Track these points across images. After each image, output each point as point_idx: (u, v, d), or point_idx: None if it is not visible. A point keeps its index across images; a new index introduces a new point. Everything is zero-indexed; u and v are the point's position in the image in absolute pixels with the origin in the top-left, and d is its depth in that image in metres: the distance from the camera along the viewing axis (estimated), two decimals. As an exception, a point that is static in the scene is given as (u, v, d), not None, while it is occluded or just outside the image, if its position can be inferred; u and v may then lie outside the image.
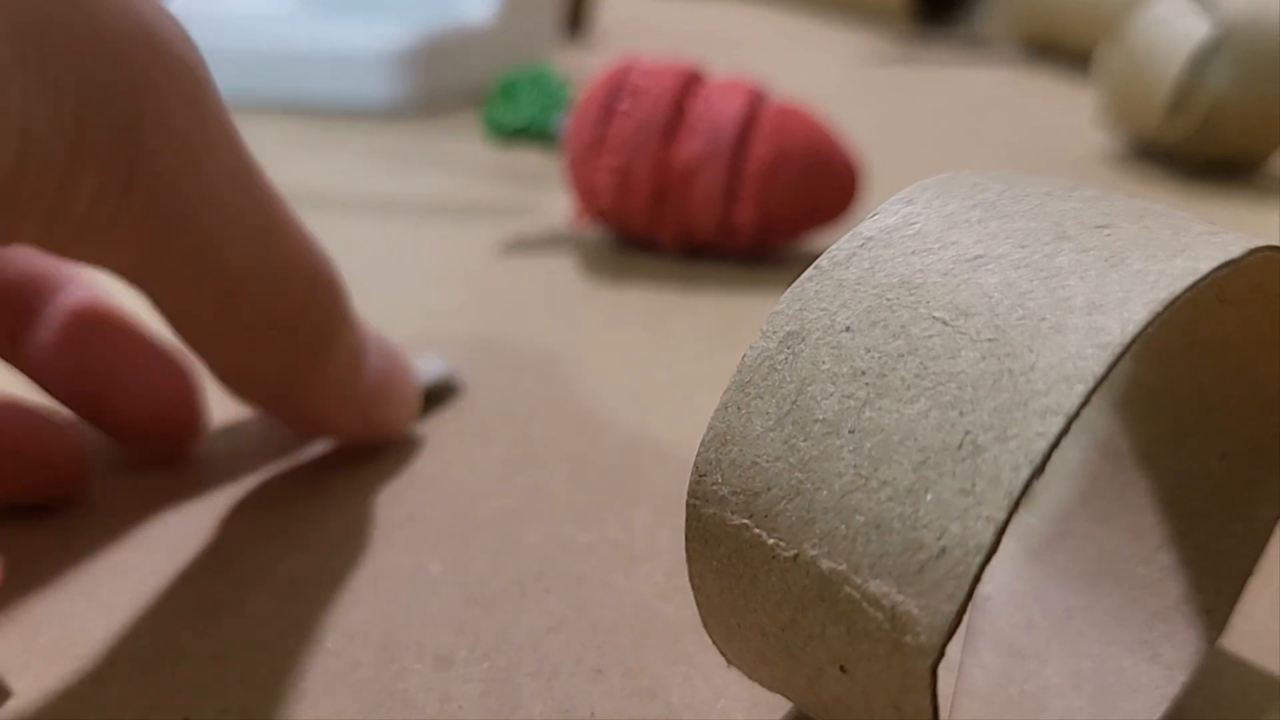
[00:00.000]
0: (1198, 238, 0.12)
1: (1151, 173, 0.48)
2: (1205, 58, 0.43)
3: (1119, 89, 0.48)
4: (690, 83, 0.35)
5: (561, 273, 0.35)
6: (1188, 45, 0.44)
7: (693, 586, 0.14)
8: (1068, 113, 0.60)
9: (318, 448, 0.24)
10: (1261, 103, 0.44)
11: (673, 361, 0.28)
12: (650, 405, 0.26)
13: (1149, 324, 0.11)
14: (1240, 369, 0.17)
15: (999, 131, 0.56)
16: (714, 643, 0.15)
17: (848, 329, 0.13)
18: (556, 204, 0.42)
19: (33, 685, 0.17)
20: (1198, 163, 0.48)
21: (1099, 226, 0.13)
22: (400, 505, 0.22)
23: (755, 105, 0.34)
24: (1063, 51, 0.77)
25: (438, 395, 0.26)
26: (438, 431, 0.25)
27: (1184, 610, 0.17)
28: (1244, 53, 0.43)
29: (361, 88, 0.57)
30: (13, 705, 0.16)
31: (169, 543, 0.20)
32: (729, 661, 0.15)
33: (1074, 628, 0.17)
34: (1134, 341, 0.11)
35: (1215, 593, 0.17)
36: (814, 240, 0.38)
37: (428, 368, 0.25)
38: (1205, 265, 0.12)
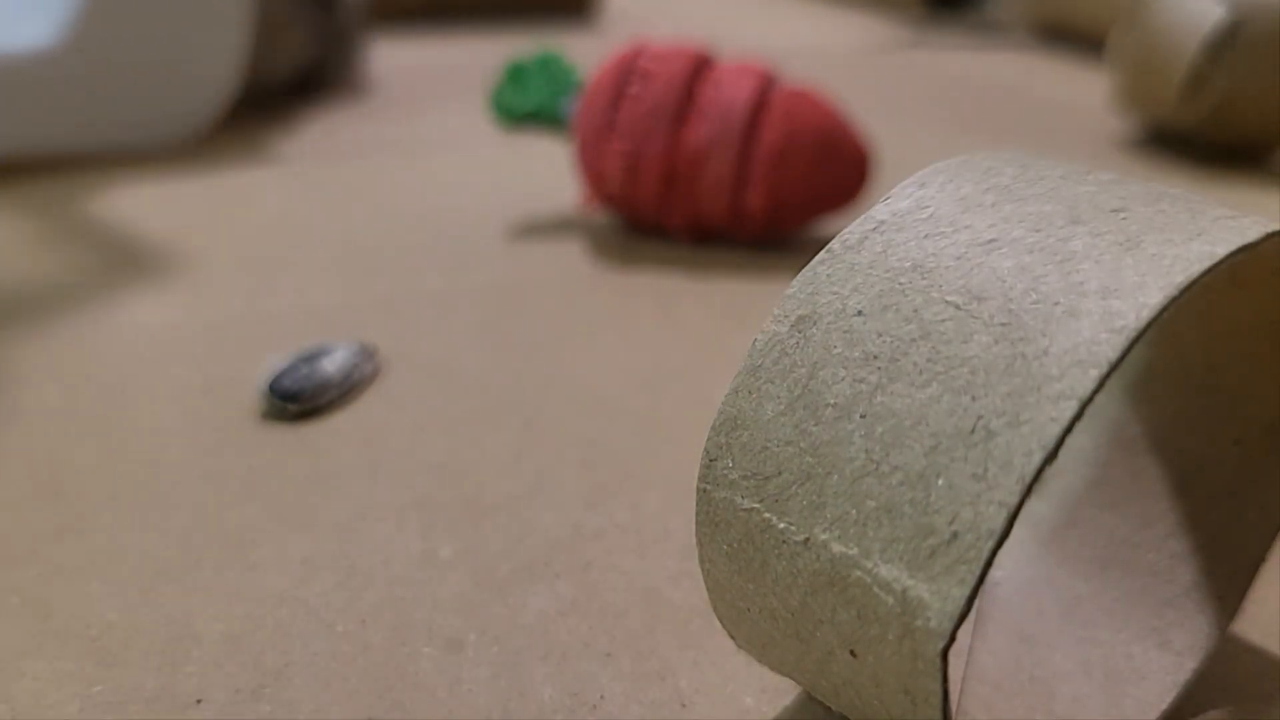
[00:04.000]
0: (1215, 221, 0.12)
1: (1166, 157, 0.47)
2: (1220, 42, 0.43)
3: (1133, 73, 0.47)
4: (700, 67, 0.34)
5: (571, 258, 0.35)
6: (1202, 29, 0.43)
7: (702, 570, 0.14)
8: (1081, 97, 0.60)
9: (327, 429, 0.24)
10: (1276, 88, 0.43)
11: (683, 346, 0.28)
12: (660, 389, 0.26)
13: (1164, 308, 0.11)
14: (1255, 354, 0.17)
15: (1012, 116, 0.55)
16: (723, 626, 0.15)
17: (860, 313, 0.13)
18: (565, 189, 0.42)
19: (47, 668, 0.17)
20: (1212, 147, 0.47)
21: (1114, 210, 0.13)
22: (411, 489, 0.22)
23: (766, 89, 0.34)
24: (1075, 36, 0.76)
25: (355, 383, 0.25)
26: (448, 415, 0.25)
27: (1195, 597, 0.17)
28: (1259, 37, 0.43)
29: None
30: (27, 686, 0.16)
31: (181, 528, 0.20)
32: (738, 645, 0.15)
33: (1084, 614, 0.17)
34: (1149, 326, 0.11)
35: (1227, 579, 0.17)
36: (825, 225, 0.38)
37: (331, 367, 0.25)
38: (1222, 249, 0.12)
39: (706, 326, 0.30)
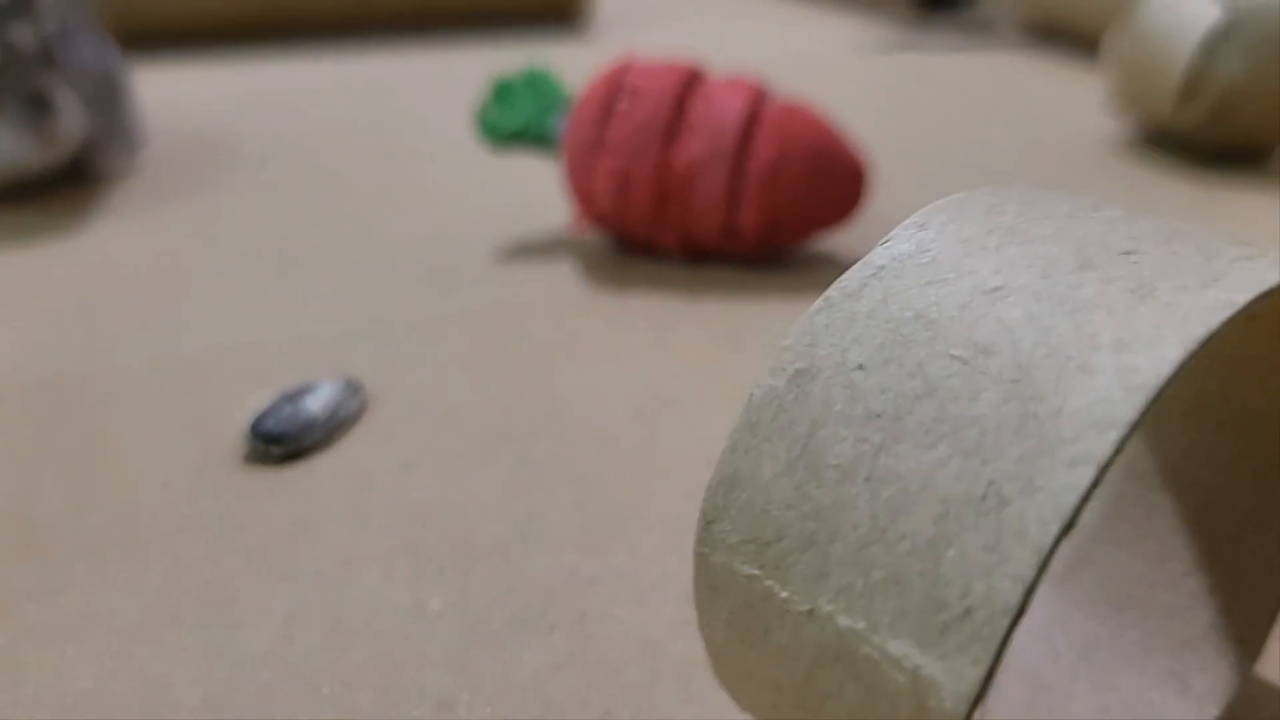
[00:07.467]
0: (1231, 264, 0.12)
1: (1162, 160, 0.47)
2: (1216, 43, 0.42)
3: (1128, 75, 0.47)
4: (691, 82, 0.34)
5: (561, 280, 0.34)
6: (1198, 31, 0.43)
7: (702, 635, 0.13)
8: (1076, 99, 0.59)
9: (311, 472, 0.23)
10: (1273, 89, 0.43)
11: (679, 371, 0.28)
12: (657, 420, 0.25)
13: (1183, 363, 0.10)
14: (1271, 385, 0.16)
15: (1007, 119, 0.55)
16: (725, 687, 0.14)
17: (860, 367, 0.12)
18: (555, 209, 0.41)
19: (20, 740, 0.16)
20: (1208, 149, 0.47)
21: (1125, 253, 0.12)
22: (398, 534, 0.21)
23: (758, 105, 0.33)
24: (1070, 37, 0.75)
25: (341, 421, 0.25)
26: (436, 452, 0.24)
27: (1214, 638, 0.16)
28: (1255, 38, 0.42)
29: None
30: (-1, 762, 0.16)
31: (158, 584, 0.20)
32: (742, 709, 0.14)
33: (1100, 659, 0.17)
34: (1168, 383, 0.10)
35: (1247, 619, 0.16)
36: (821, 241, 0.37)
37: (315, 405, 0.24)
38: (1241, 297, 0.11)
39: (702, 350, 0.29)
